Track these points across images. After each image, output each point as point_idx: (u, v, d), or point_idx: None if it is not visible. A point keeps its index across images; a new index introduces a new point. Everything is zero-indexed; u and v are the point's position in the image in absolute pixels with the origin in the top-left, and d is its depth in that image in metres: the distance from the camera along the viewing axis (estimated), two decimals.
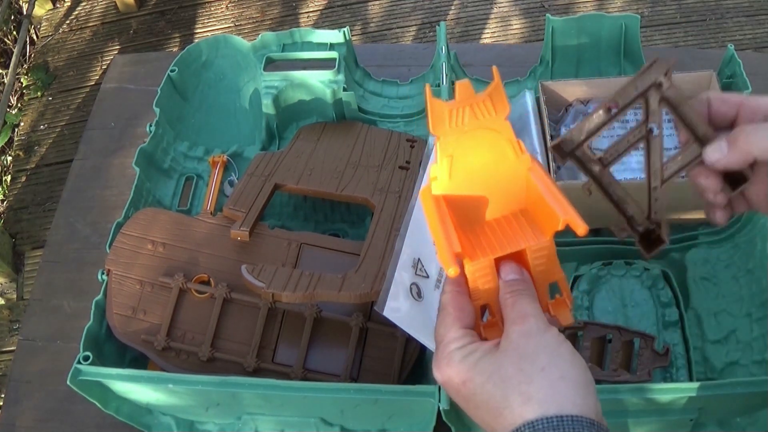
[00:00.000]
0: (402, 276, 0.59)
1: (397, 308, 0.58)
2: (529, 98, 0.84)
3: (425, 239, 0.64)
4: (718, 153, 0.46)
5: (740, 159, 0.45)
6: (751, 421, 0.66)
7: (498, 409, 0.38)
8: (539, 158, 0.78)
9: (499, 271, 0.44)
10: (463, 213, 0.46)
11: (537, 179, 0.44)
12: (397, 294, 0.58)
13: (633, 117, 0.82)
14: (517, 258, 0.44)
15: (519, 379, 0.38)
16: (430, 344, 0.59)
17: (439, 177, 0.45)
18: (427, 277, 0.62)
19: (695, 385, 0.58)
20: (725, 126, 0.48)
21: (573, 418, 0.36)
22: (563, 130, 0.82)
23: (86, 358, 0.63)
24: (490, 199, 0.45)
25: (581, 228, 0.41)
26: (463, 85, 0.43)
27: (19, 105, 1.96)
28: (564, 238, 0.79)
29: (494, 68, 0.43)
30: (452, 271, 0.42)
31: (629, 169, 0.77)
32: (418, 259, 0.62)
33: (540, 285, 0.44)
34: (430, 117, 0.43)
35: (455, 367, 0.40)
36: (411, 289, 0.59)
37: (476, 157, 0.44)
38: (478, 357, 0.40)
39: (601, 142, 0.81)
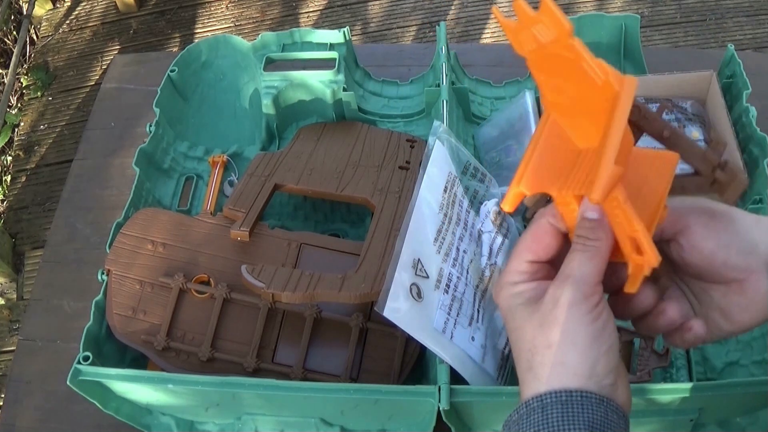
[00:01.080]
0: (402, 276, 0.59)
1: (397, 309, 0.58)
2: (529, 98, 0.84)
3: (425, 239, 0.64)
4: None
5: None
6: (751, 421, 0.66)
7: (517, 359, 0.40)
8: None
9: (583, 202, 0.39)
10: (565, 139, 0.41)
11: (611, 116, 0.36)
12: (397, 294, 0.58)
13: None
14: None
15: (529, 346, 0.38)
16: (430, 344, 0.59)
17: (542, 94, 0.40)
18: (427, 277, 0.62)
19: (695, 385, 0.58)
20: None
21: (582, 393, 0.36)
22: None
23: (86, 359, 0.63)
24: (588, 124, 0.39)
25: (594, 194, 0.35)
26: (517, 6, 0.37)
27: (19, 105, 1.96)
28: None
29: None
30: (506, 206, 0.40)
31: None
32: (418, 259, 0.62)
33: (619, 234, 0.39)
34: (510, 40, 0.39)
35: (502, 302, 0.41)
36: (411, 289, 0.59)
37: (562, 80, 0.39)
38: (518, 303, 0.40)
39: None
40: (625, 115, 0.36)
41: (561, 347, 0.37)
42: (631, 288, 0.39)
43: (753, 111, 0.76)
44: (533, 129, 0.81)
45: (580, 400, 0.36)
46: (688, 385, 0.58)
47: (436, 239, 0.65)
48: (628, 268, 0.39)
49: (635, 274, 0.39)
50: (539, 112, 0.83)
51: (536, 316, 0.39)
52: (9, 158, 1.86)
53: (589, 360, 0.37)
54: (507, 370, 0.67)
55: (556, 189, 0.39)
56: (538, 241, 0.41)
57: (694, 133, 0.79)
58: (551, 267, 0.42)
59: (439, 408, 0.59)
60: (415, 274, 0.61)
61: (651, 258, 0.38)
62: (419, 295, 0.60)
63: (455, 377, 0.60)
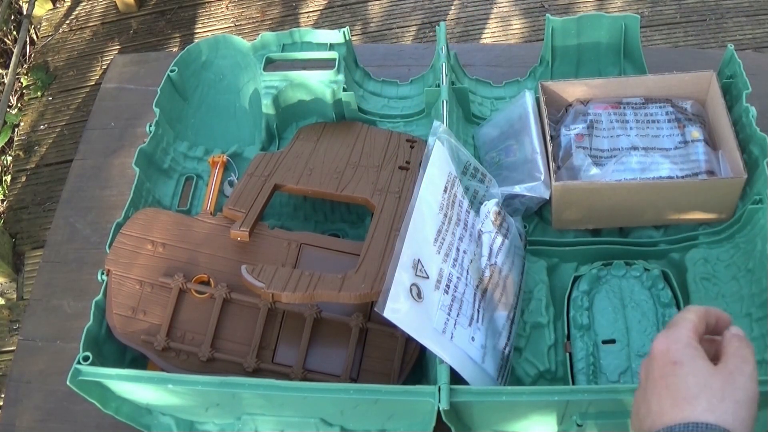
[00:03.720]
0: (402, 277, 0.59)
1: (398, 309, 0.58)
2: (528, 98, 0.84)
3: (425, 240, 0.64)
4: None
5: None
6: None
7: (683, 399, 0.44)
8: (539, 159, 0.78)
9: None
10: None
11: None
12: (398, 295, 0.58)
13: (633, 117, 0.82)
14: None
15: (720, 395, 0.43)
16: (430, 345, 0.59)
17: None
18: (427, 277, 0.62)
19: None
20: None
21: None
22: (563, 131, 0.82)
23: (86, 359, 0.63)
24: None
25: None
26: None
27: (19, 105, 1.96)
28: (564, 238, 0.79)
29: None
30: None
31: (629, 169, 0.77)
32: (418, 259, 0.62)
33: None
34: None
35: (679, 346, 0.46)
36: (411, 289, 0.59)
37: None
38: (699, 355, 0.46)
39: (601, 143, 0.81)
40: None
41: (745, 402, 0.44)
42: None
43: (753, 111, 0.76)
44: (533, 128, 0.81)
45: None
46: None
47: (436, 239, 0.65)
48: None
49: None
50: (540, 112, 0.83)
51: (724, 375, 0.45)
52: (9, 158, 1.86)
53: (753, 413, 0.44)
54: (507, 371, 0.67)
55: None
56: (700, 321, 0.49)
57: (694, 132, 0.79)
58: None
59: (438, 408, 0.59)
60: (416, 274, 0.61)
61: None
62: (419, 295, 0.60)
63: (455, 377, 0.60)
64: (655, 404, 0.45)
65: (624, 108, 0.83)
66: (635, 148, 0.79)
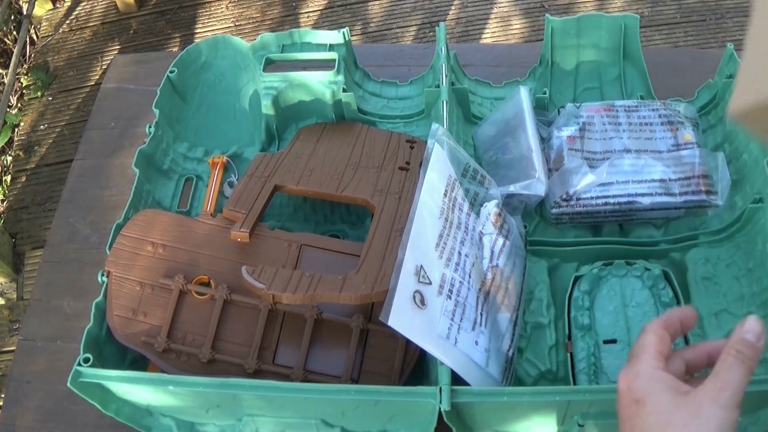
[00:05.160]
0: (405, 284, 0.59)
1: (402, 317, 0.58)
2: (524, 95, 0.83)
3: (427, 246, 0.63)
4: None
5: None
6: (753, 420, 0.66)
7: None
8: (534, 156, 0.77)
9: (744, 323, 0.45)
10: None
11: None
12: (401, 303, 0.58)
13: (625, 119, 0.82)
14: None
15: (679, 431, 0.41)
16: (434, 351, 0.59)
17: None
18: (430, 283, 0.62)
19: None
20: None
21: None
22: (555, 132, 0.81)
23: (86, 360, 0.63)
24: None
25: None
26: None
27: (19, 105, 1.96)
28: (564, 238, 0.79)
29: None
30: None
31: (621, 172, 0.77)
32: (421, 266, 0.61)
33: None
34: None
35: (640, 382, 0.44)
36: (414, 297, 0.59)
37: None
38: (663, 387, 0.44)
39: (594, 145, 0.81)
40: None
41: None
42: None
43: None
44: (528, 125, 0.80)
45: None
46: None
47: (437, 245, 0.64)
48: None
49: None
50: (534, 107, 0.82)
51: (690, 407, 0.42)
52: (9, 158, 1.86)
53: None
54: (511, 373, 0.67)
55: None
56: (661, 338, 0.48)
57: (686, 135, 0.79)
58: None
59: (440, 409, 0.59)
60: (418, 281, 0.61)
61: None
62: (422, 302, 0.60)
63: (456, 378, 0.60)
64: None
65: (617, 111, 0.83)
66: (628, 151, 0.79)
